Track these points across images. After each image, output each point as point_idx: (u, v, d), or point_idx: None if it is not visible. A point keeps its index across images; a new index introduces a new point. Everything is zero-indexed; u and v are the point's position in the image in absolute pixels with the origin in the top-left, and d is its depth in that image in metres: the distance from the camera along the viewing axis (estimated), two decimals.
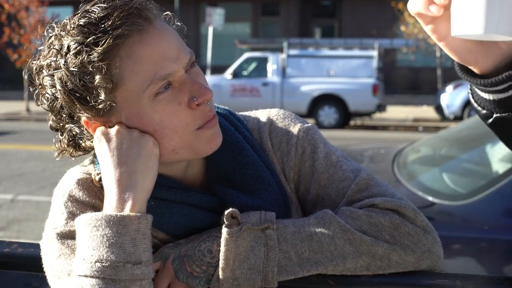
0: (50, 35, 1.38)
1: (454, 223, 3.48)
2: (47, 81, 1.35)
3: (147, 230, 1.28)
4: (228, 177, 1.47)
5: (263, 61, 19.30)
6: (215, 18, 22.63)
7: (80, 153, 1.47)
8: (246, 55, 19.78)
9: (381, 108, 18.91)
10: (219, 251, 1.34)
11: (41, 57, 1.38)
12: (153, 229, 1.34)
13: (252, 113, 1.64)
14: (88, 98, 1.30)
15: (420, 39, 22.20)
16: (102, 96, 1.29)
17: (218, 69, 23.47)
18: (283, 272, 1.34)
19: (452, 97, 18.59)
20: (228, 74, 19.24)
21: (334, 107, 18.70)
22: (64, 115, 1.39)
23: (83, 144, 1.45)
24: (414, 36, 22.28)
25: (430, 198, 3.56)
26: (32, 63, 1.40)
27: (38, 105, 1.42)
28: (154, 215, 1.32)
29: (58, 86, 1.33)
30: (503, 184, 3.40)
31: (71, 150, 1.47)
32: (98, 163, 1.44)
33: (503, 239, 3.29)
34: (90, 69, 1.27)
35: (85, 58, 1.27)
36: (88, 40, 1.27)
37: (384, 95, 20.29)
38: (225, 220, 1.35)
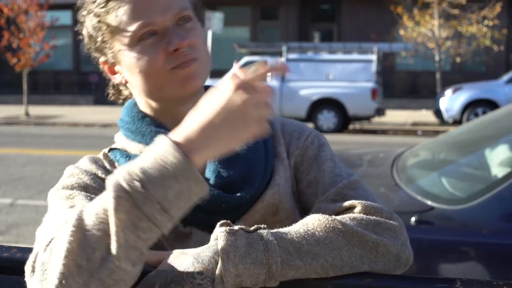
0: None
1: (453, 227, 3.47)
2: (81, 27, 1.60)
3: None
4: None
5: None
6: (214, 22, 22.64)
7: (124, 96, 1.70)
8: (245, 59, 19.83)
9: (380, 112, 18.93)
10: (210, 270, 1.30)
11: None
12: None
13: None
14: (94, 37, 1.55)
15: (419, 43, 22.25)
16: (100, 38, 1.53)
17: (217, 73, 23.40)
18: (285, 267, 1.32)
19: (451, 101, 18.63)
20: None
21: (333, 111, 18.73)
22: (94, 59, 1.63)
23: (125, 93, 1.69)
24: (413, 40, 22.31)
25: (429, 202, 3.56)
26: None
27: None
28: None
29: (84, 32, 1.59)
30: (502, 188, 3.40)
31: (115, 93, 1.71)
32: (122, 131, 1.63)
33: (502, 243, 3.29)
34: (96, 14, 1.51)
35: (95, 5, 1.51)
36: None
37: (383, 99, 20.33)
38: (218, 225, 1.34)
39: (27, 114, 23.02)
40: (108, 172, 1.53)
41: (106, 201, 1.20)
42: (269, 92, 1.29)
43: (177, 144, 1.22)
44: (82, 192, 1.46)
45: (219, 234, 1.32)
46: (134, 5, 1.47)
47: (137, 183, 1.18)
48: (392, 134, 19.08)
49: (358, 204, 1.50)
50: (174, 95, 1.52)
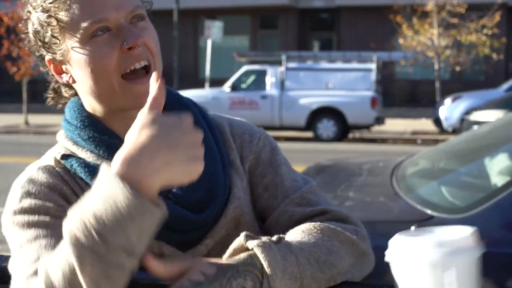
0: None
1: None
2: (25, 24, 1.53)
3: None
4: None
5: (261, 74, 19.33)
6: (214, 31, 22.69)
7: (65, 100, 1.62)
8: (245, 68, 19.82)
9: (379, 120, 18.92)
10: (253, 287, 1.25)
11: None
12: None
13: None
14: (41, 34, 1.47)
15: (418, 52, 22.25)
16: (49, 33, 1.45)
17: (216, 82, 23.50)
18: (312, 279, 1.32)
19: (451, 109, 18.62)
20: (226, 87, 19.28)
21: (332, 120, 18.71)
22: (38, 57, 1.54)
23: (65, 94, 1.61)
24: (412, 49, 22.32)
25: (429, 211, 3.56)
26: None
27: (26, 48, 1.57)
28: None
29: (29, 28, 1.51)
30: (502, 197, 3.40)
31: (55, 96, 1.64)
32: (68, 134, 1.54)
33: (502, 252, 3.28)
34: (45, 9, 1.43)
35: (43, 0, 1.44)
36: None
37: (382, 107, 20.32)
38: (243, 237, 1.30)
39: (26, 123, 23.02)
40: (66, 183, 1.46)
41: (68, 256, 1.16)
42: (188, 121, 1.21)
43: (123, 177, 1.14)
44: (46, 218, 1.37)
45: (256, 249, 1.27)
46: (87, 1, 1.42)
47: (94, 235, 1.13)
48: (391, 143, 19.07)
49: (332, 211, 1.53)
50: (125, 106, 1.46)
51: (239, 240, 1.30)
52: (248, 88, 19.24)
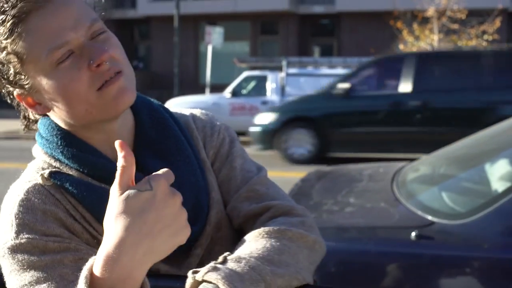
0: None
1: (453, 242, 3.46)
2: None
3: None
4: (154, 148, 1.54)
5: (262, 80, 19.32)
6: (214, 36, 22.71)
7: (35, 124, 1.57)
8: (245, 73, 19.82)
9: None
10: None
11: None
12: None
13: (175, 109, 1.76)
14: (4, 72, 1.40)
15: None
16: (12, 70, 1.39)
17: (217, 88, 23.51)
18: (274, 276, 1.33)
19: None
20: (227, 92, 19.26)
21: None
22: (5, 94, 1.49)
23: (32, 118, 1.57)
24: None
25: (430, 217, 3.55)
26: None
27: None
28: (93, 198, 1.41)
29: None
30: (503, 203, 3.40)
31: (27, 123, 1.59)
32: (47, 150, 1.50)
33: (503, 258, 3.28)
34: (1, 47, 1.37)
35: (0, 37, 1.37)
36: None
37: None
38: (190, 276, 1.30)
39: None
40: (59, 203, 1.42)
41: None
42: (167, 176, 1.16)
43: (104, 281, 1.11)
44: (45, 258, 1.33)
45: (206, 276, 1.27)
46: (42, 28, 1.35)
47: None
48: None
49: (275, 205, 1.56)
50: (107, 116, 1.43)
51: (189, 282, 1.29)
52: (248, 94, 19.23)
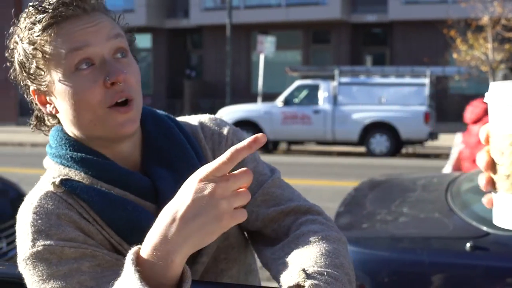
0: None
1: (509, 254, 3.44)
2: (11, 54, 1.55)
3: None
4: (160, 156, 1.60)
5: (314, 89, 19.33)
6: (266, 45, 22.80)
7: (47, 128, 1.63)
8: (297, 82, 19.85)
9: (433, 136, 18.75)
10: None
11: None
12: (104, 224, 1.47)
13: (183, 118, 1.80)
14: (27, 65, 1.49)
15: (472, 67, 21.99)
16: (34, 64, 1.47)
17: (269, 97, 23.58)
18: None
19: None
20: (279, 101, 19.31)
21: (385, 135, 18.60)
22: (22, 87, 1.57)
23: (49, 124, 1.62)
24: (467, 63, 22.06)
25: (485, 228, 3.53)
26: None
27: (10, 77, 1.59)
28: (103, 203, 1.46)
29: (15, 58, 1.53)
30: None
31: (37, 124, 1.64)
32: (57, 160, 1.55)
33: None
34: (32, 41, 1.47)
35: (30, 33, 1.48)
36: (34, 19, 1.47)
37: (436, 122, 20.12)
38: (300, 276, 1.32)
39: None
40: (72, 207, 1.47)
41: None
42: (246, 176, 1.17)
43: (147, 282, 1.17)
44: (63, 268, 1.37)
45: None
46: (71, 34, 1.45)
47: None
48: (445, 158, 18.81)
49: (294, 208, 1.60)
50: (106, 134, 1.49)
51: (294, 281, 1.31)
52: (300, 103, 19.25)
